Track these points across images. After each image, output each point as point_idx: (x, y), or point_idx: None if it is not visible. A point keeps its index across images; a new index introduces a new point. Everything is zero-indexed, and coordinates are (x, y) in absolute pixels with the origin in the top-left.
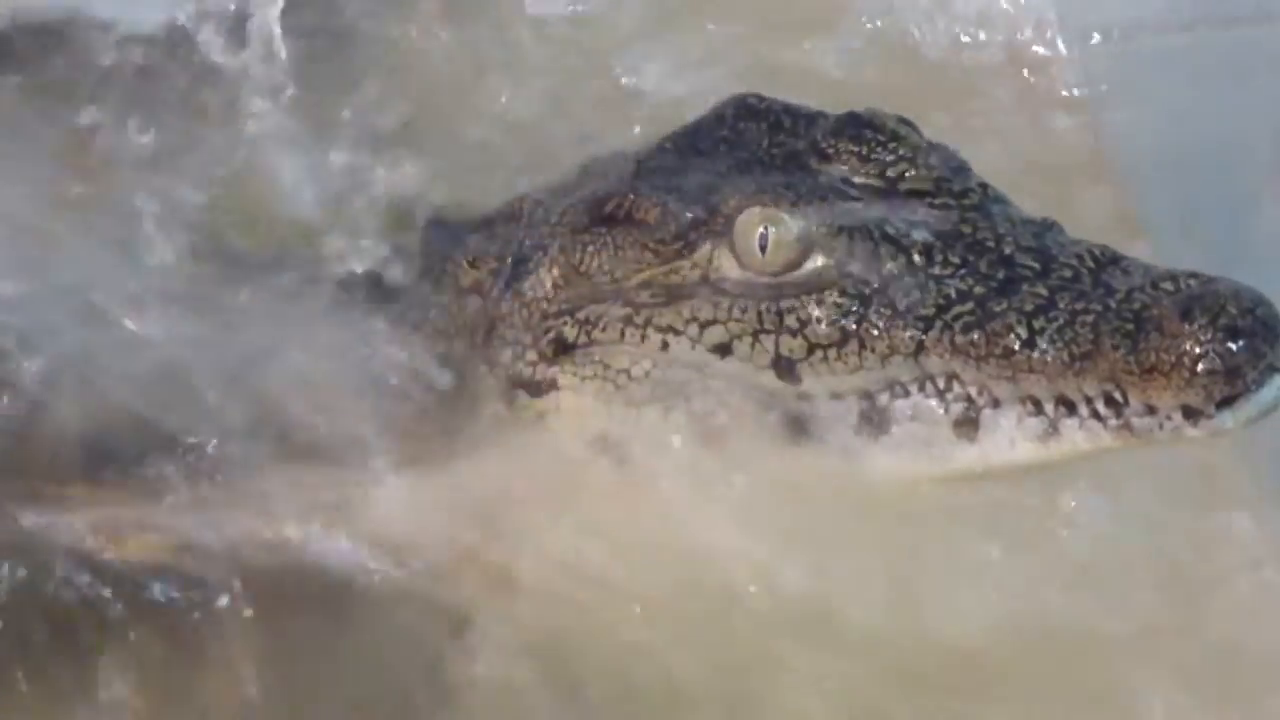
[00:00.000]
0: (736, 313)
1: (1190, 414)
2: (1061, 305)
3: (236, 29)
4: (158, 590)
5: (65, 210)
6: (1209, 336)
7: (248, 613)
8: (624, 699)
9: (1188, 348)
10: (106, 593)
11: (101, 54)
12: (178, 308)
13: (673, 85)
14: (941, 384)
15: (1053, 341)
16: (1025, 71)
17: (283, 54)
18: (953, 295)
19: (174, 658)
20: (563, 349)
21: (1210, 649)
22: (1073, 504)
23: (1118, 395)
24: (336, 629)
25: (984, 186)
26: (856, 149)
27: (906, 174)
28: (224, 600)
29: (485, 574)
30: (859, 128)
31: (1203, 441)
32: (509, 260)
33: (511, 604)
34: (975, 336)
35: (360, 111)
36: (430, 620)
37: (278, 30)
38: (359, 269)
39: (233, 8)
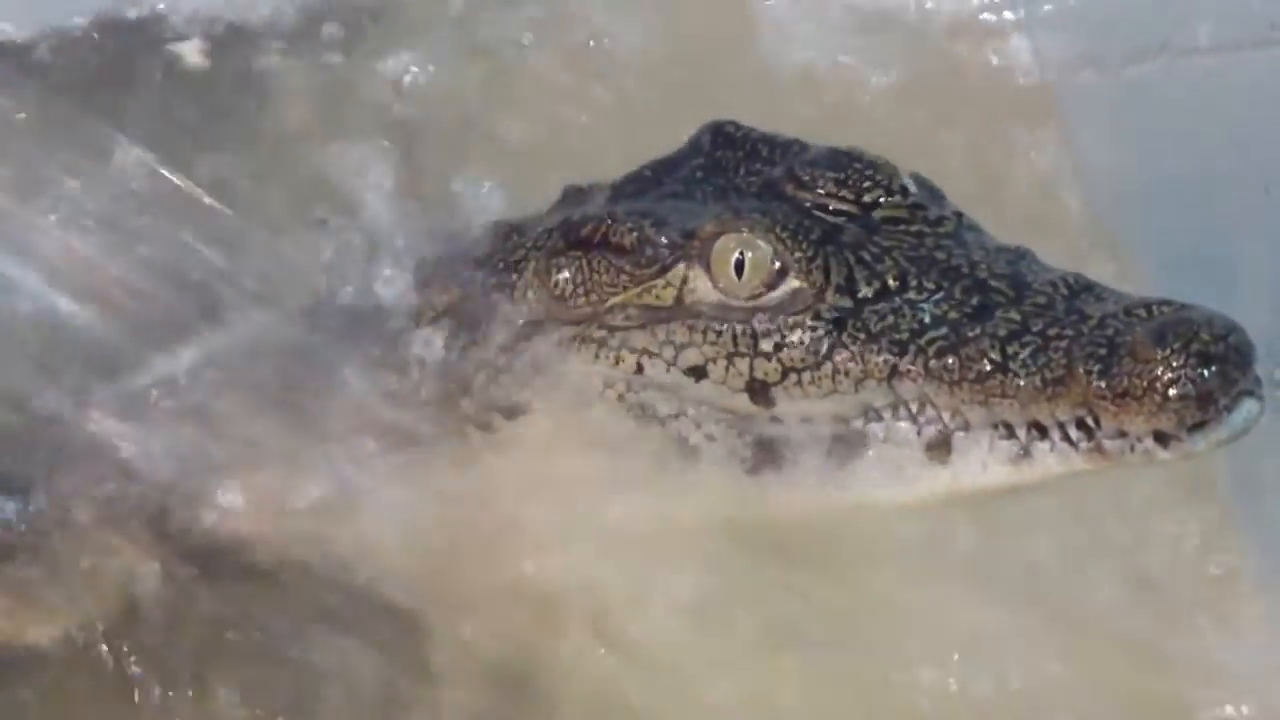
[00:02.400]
0: (711, 336)
1: (1162, 438)
2: (1035, 331)
3: None
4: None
5: None
6: (1182, 362)
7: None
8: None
9: (1160, 373)
10: None
11: None
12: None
13: None
14: (914, 408)
15: (1026, 366)
16: (996, 99)
17: None
18: (927, 320)
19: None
20: (536, 371)
21: None
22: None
23: (1090, 420)
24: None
25: (959, 215)
26: (833, 175)
27: (882, 200)
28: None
29: (451, 590)
30: (835, 156)
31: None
32: (484, 283)
33: (470, 621)
34: (949, 361)
35: None
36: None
37: None
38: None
39: None
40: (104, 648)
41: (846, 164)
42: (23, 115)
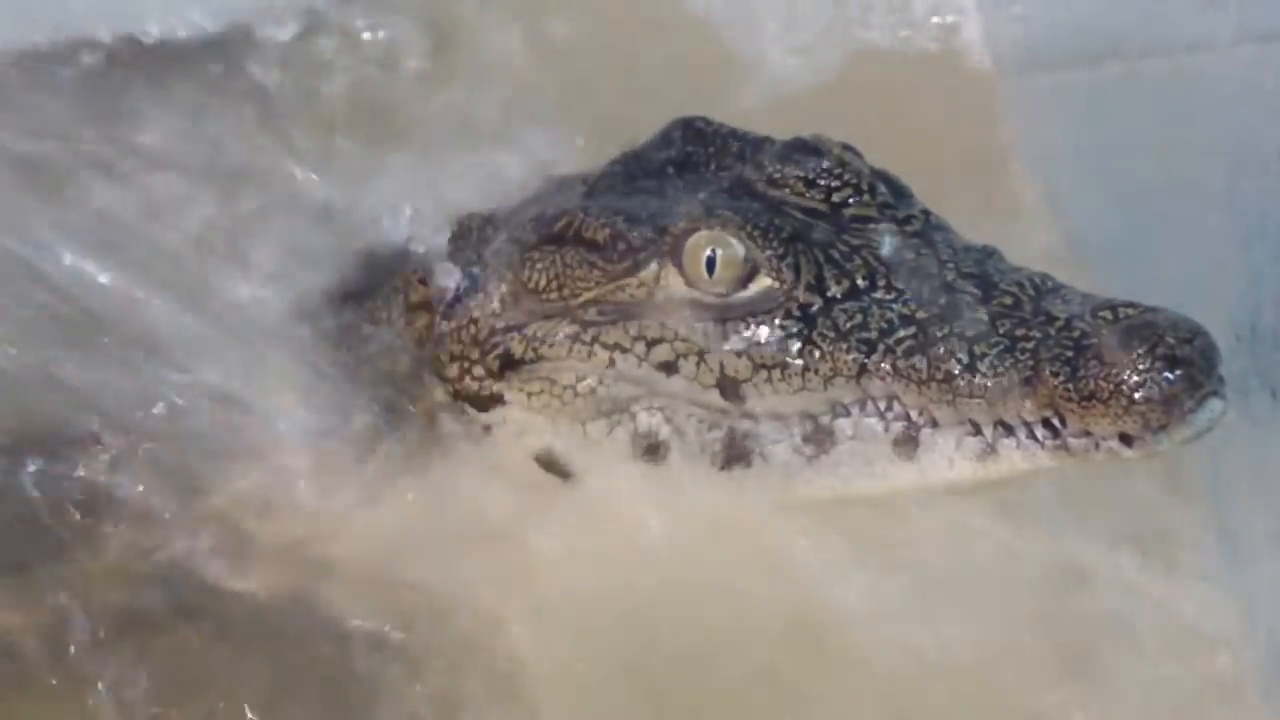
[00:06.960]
0: (683, 332)
1: (1126, 438)
2: (1001, 331)
3: None
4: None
5: None
6: (1147, 366)
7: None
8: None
9: (1126, 377)
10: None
11: None
12: None
13: None
14: (882, 405)
15: (992, 367)
16: (953, 101)
17: None
18: (895, 320)
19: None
20: (509, 365)
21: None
22: None
23: (1056, 421)
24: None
25: (926, 213)
26: (802, 174)
27: (850, 199)
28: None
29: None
30: (805, 153)
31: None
32: (458, 277)
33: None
34: (916, 361)
35: None
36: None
37: None
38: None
39: None
40: None
41: (815, 162)
42: None
